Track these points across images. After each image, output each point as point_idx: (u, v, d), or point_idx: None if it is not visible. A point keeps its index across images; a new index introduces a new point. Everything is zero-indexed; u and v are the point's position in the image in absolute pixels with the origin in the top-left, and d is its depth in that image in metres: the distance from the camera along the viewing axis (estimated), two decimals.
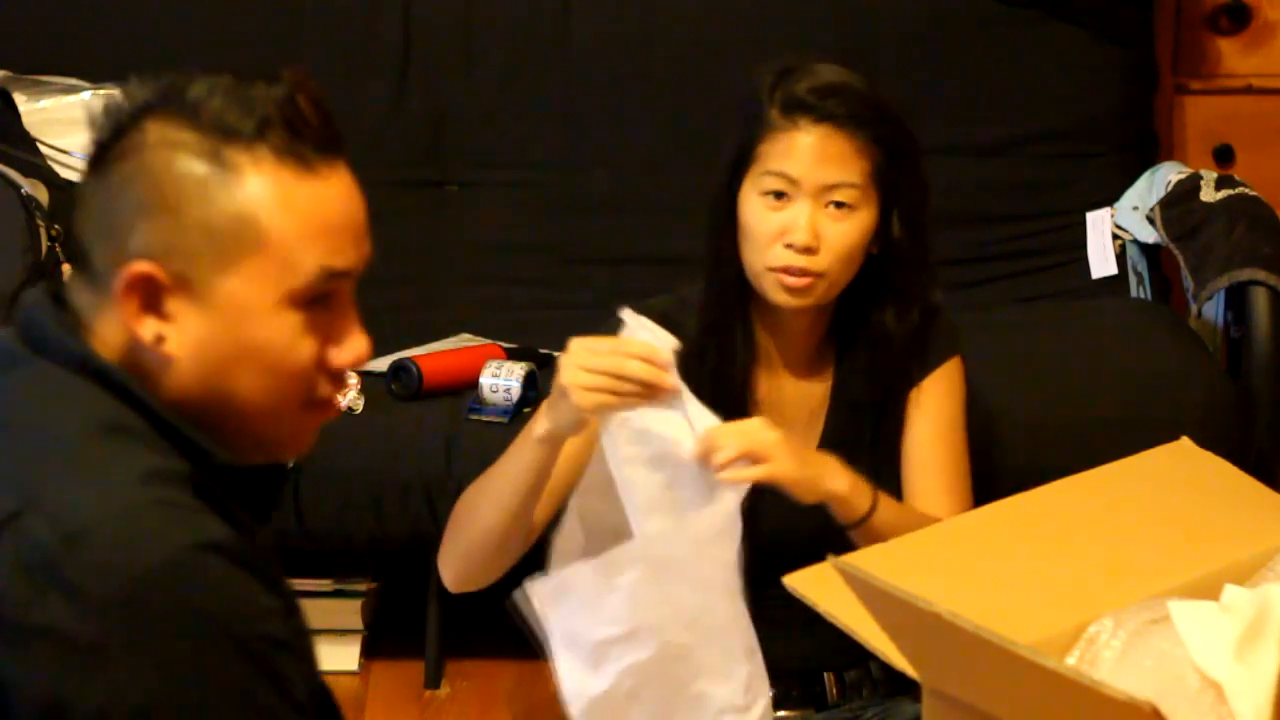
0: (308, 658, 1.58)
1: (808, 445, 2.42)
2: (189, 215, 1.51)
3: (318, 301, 1.56)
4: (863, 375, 2.43)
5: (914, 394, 2.44)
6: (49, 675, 1.39)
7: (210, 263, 1.52)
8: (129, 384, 1.52)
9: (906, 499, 2.41)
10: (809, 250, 2.32)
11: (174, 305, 1.53)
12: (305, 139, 1.54)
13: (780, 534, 2.23)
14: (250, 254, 1.52)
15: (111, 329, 1.55)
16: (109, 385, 1.52)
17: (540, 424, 2.18)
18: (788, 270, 2.33)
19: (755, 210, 2.34)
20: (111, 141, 1.54)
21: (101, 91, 3.54)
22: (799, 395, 2.46)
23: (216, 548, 1.44)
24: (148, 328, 1.53)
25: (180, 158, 1.52)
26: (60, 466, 1.47)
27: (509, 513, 2.23)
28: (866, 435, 2.44)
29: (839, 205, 2.33)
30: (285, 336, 1.55)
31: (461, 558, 2.30)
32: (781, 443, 2.17)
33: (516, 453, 2.22)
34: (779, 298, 2.35)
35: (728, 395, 2.36)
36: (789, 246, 2.32)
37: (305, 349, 1.56)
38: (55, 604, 1.39)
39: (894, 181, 2.36)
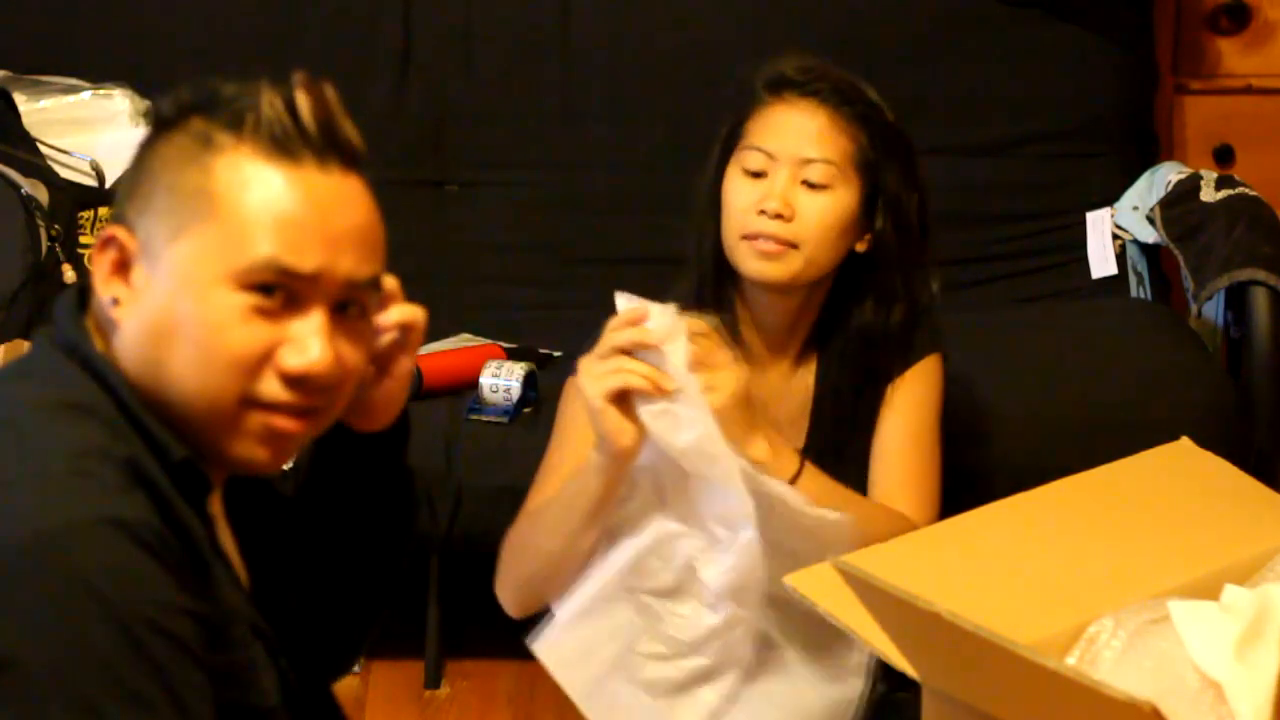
0: (231, 678, 1.53)
1: (794, 440, 2.42)
2: (161, 183, 1.55)
3: (268, 292, 1.54)
4: (843, 369, 2.44)
5: (890, 389, 2.45)
6: None
7: (167, 229, 1.54)
8: (105, 370, 1.54)
9: (870, 491, 2.41)
10: (781, 217, 2.33)
11: (138, 275, 1.55)
12: (295, 133, 1.55)
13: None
14: (199, 221, 1.53)
15: (95, 301, 1.58)
16: (90, 369, 1.54)
17: (592, 451, 2.17)
18: (760, 235, 2.34)
19: (735, 183, 2.38)
20: (149, 140, 1.59)
21: (101, 91, 3.54)
22: (784, 389, 2.46)
23: (122, 525, 1.43)
24: (110, 288, 1.56)
25: (179, 138, 1.56)
26: (3, 432, 1.50)
27: (567, 538, 2.21)
28: (851, 429, 2.44)
29: (814, 186, 2.35)
30: (220, 315, 1.53)
31: (521, 585, 2.29)
32: (724, 402, 2.16)
33: (577, 481, 2.20)
34: (751, 266, 2.36)
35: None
36: (762, 213, 2.34)
37: (242, 335, 1.54)
38: None
39: (878, 169, 2.37)
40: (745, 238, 2.36)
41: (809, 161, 2.35)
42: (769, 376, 2.45)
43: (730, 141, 2.41)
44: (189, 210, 1.54)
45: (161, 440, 1.53)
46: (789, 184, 2.35)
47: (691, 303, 2.40)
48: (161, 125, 1.58)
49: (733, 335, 2.42)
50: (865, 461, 2.44)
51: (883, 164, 2.38)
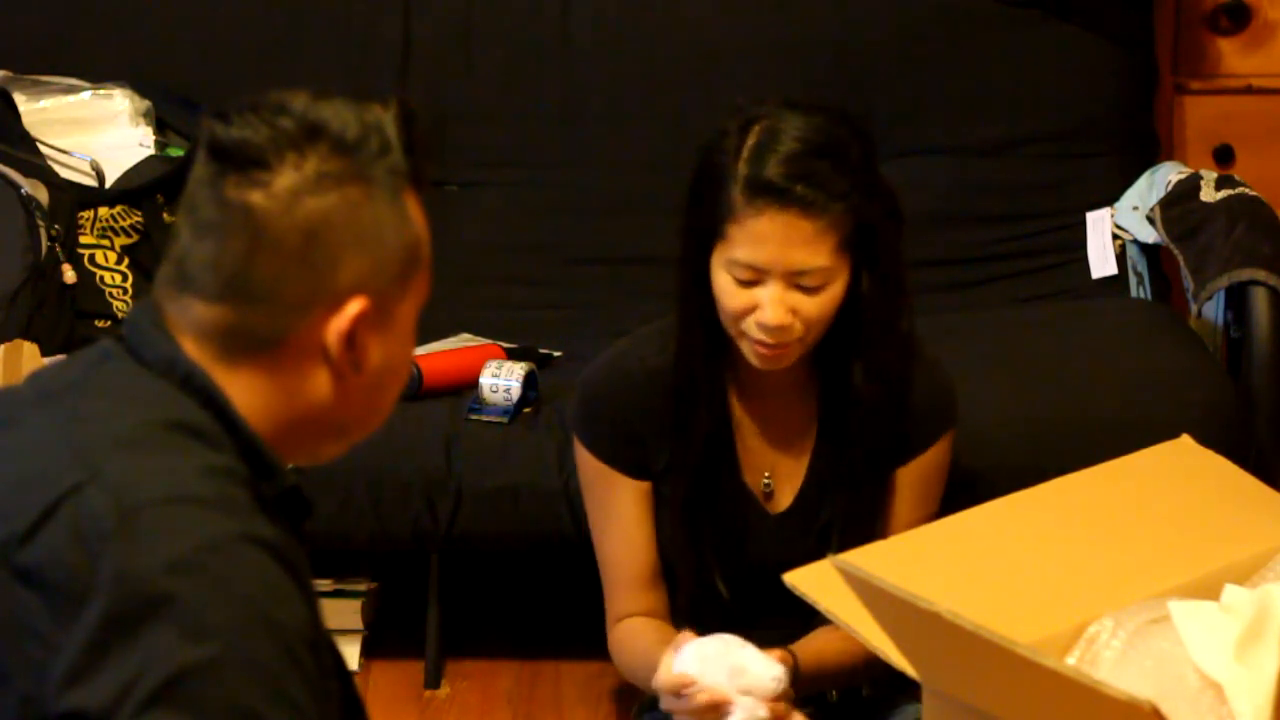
0: (336, 668, 1.59)
1: (797, 470, 2.44)
2: (388, 244, 1.56)
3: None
4: (848, 426, 2.42)
5: (907, 470, 2.44)
6: (89, 641, 1.41)
7: (398, 286, 1.57)
8: (211, 390, 1.54)
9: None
10: (781, 329, 2.30)
11: (365, 336, 1.56)
12: (425, 166, 1.59)
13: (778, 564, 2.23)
14: (417, 272, 1.59)
15: (262, 362, 1.55)
16: (192, 390, 1.54)
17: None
18: (761, 342, 2.31)
19: (725, 285, 2.31)
20: (248, 174, 1.53)
21: (101, 91, 3.54)
22: (786, 418, 2.45)
23: (262, 542, 1.46)
24: (349, 358, 1.56)
25: (350, 190, 1.54)
26: (128, 450, 1.49)
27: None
28: (853, 461, 2.43)
29: (809, 289, 2.29)
30: (411, 349, 1.62)
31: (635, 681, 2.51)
32: None
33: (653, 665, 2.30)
34: (756, 362, 2.33)
35: (713, 423, 2.40)
36: (761, 325, 2.29)
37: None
38: (104, 575, 1.41)
39: (866, 241, 2.31)
40: (745, 337, 2.32)
41: (802, 272, 2.27)
42: (769, 406, 2.44)
43: (708, 233, 2.32)
44: (410, 262, 1.57)
45: (274, 466, 1.55)
46: (783, 291, 2.28)
47: (690, 355, 2.40)
48: (264, 166, 1.53)
49: (732, 373, 2.42)
50: (867, 489, 2.43)
51: (870, 236, 2.31)
